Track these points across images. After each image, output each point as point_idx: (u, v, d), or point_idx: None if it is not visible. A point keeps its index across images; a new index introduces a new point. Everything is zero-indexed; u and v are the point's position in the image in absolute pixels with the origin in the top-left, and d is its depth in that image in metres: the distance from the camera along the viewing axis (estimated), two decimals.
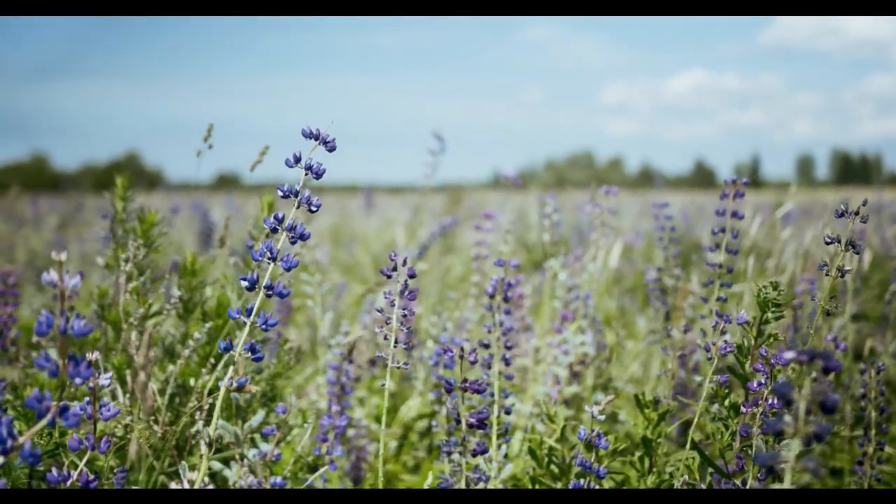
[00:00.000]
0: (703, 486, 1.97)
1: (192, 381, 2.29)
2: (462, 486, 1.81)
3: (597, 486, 1.81)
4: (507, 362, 2.32)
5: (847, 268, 1.91)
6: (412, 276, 1.82)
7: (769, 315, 1.94)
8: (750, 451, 1.89)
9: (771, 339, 1.94)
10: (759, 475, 1.83)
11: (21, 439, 1.24)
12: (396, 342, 1.81)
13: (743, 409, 1.88)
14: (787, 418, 1.07)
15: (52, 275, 1.27)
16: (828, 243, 1.93)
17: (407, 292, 1.81)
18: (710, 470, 2.00)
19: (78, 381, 1.29)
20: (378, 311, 1.84)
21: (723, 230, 2.50)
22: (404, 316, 1.81)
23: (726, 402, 1.97)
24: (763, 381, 1.85)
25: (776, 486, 1.11)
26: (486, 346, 2.31)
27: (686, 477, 1.97)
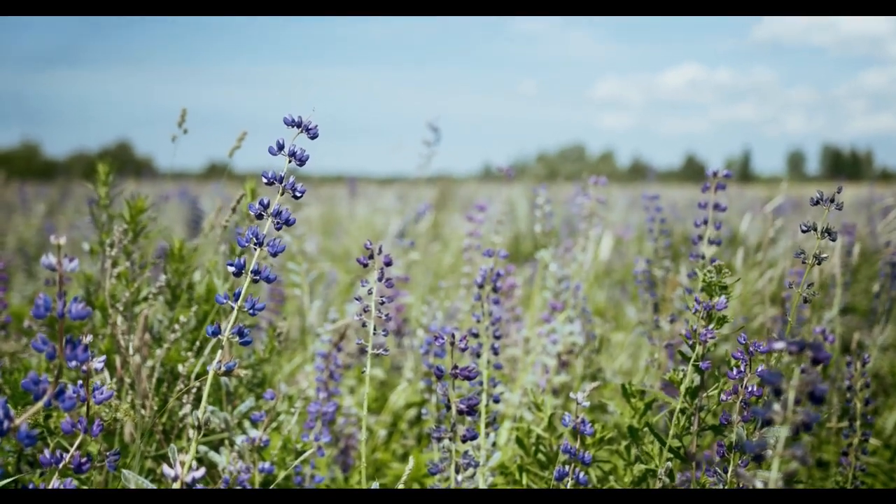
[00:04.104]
0: (663, 471, 1.98)
1: (179, 367, 2.29)
2: (452, 472, 1.82)
3: (582, 474, 1.82)
4: (495, 351, 2.33)
5: (824, 255, 1.93)
6: (388, 264, 1.83)
7: (716, 299, 1.96)
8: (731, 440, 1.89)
9: (720, 324, 1.95)
10: (740, 462, 1.84)
11: (18, 421, 1.24)
12: (376, 329, 1.82)
13: (723, 397, 1.89)
14: (776, 407, 1.07)
15: (51, 258, 1.27)
16: (804, 231, 1.94)
17: (384, 280, 1.83)
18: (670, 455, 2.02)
19: (74, 363, 1.29)
20: (357, 299, 1.86)
21: (705, 222, 2.52)
22: (382, 303, 1.83)
23: (682, 388, 2.00)
24: (742, 370, 1.86)
25: (762, 473, 1.12)
26: (476, 336, 2.32)
27: (669, 464, 1.98)
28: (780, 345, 1.13)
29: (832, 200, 1.93)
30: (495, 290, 2.33)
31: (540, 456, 2.33)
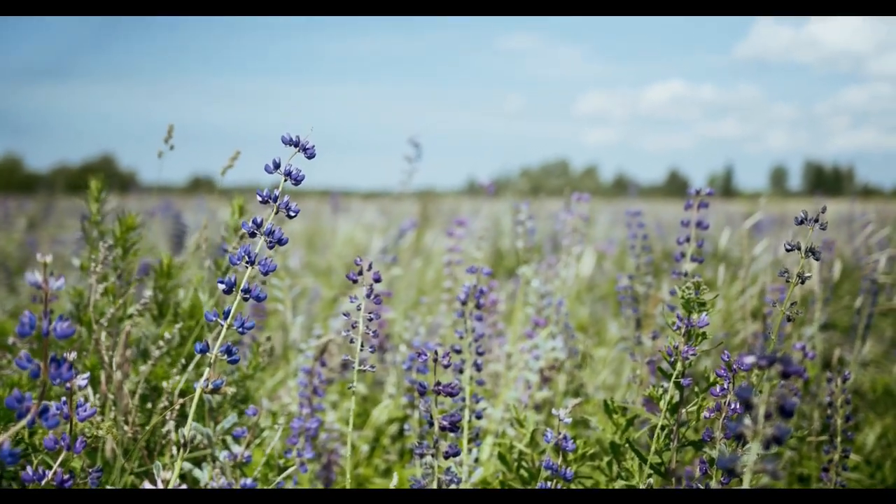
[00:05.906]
0: (644, 487, 2.00)
1: (163, 383, 2.28)
2: (434, 487, 1.83)
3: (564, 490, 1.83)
4: (478, 368, 2.34)
5: (807, 274, 1.95)
6: (377, 281, 1.84)
7: (696, 316, 1.98)
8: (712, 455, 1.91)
9: (699, 340, 1.97)
10: (721, 479, 1.85)
11: (0, 438, 1.24)
12: (363, 345, 1.83)
13: (706, 414, 1.90)
14: (747, 421, 1.09)
15: (37, 276, 1.25)
16: (788, 250, 1.96)
17: (373, 296, 1.83)
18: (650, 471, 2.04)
19: (58, 382, 1.29)
20: (344, 314, 1.86)
21: (688, 239, 2.54)
22: (370, 319, 1.83)
23: (663, 404, 2.01)
24: (725, 387, 1.88)
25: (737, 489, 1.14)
26: (458, 352, 2.33)
27: (651, 481, 2.00)
28: (750, 359, 1.15)
29: (816, 220, 1.94)
30: (478, 306, 2.34)
31: (522, 472, 2.34)
